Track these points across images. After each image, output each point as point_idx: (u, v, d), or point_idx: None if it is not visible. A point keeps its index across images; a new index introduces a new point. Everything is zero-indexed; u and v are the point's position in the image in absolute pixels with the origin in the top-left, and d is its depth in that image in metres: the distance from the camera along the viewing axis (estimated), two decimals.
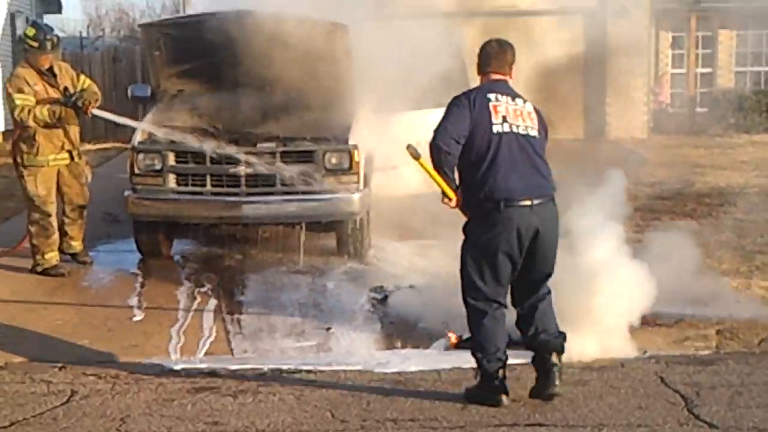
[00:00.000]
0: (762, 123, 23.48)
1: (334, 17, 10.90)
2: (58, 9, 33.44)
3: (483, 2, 22.43)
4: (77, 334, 8.50)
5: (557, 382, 6.17)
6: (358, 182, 10.44)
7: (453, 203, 6.42)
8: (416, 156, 6.51)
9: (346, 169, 10.38)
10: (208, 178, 10.46)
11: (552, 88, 21.19)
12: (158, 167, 10.53)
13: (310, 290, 9.65)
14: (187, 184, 10.53)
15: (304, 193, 10.34)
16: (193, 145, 10.43)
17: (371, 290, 9.44)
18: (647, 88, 24.32)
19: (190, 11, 36.69)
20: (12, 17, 27.08)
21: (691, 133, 23.67)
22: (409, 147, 6.58)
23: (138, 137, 10.75)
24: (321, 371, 7.39)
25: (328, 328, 8.54)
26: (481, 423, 6.08)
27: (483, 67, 6.52)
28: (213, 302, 9.42)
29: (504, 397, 6.17)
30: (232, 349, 8.21)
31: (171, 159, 10.49)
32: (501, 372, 6.19)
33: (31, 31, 10.42)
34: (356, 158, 10.41)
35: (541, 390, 6.23)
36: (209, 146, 10.41)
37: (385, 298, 9.18)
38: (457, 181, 6.36)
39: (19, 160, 10.21)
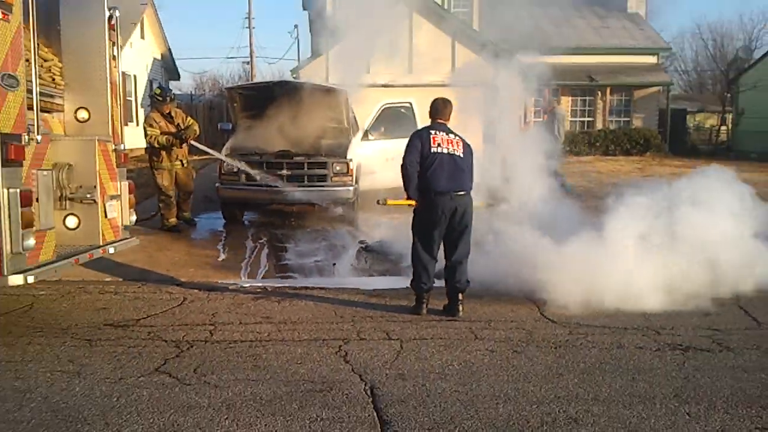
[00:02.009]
0: (585, 150, 23.61)
1: (338, 85, 10.95)
2: (177, 77, 33.07)
3: (426, 78, 22.57)
4: (187, 265, 8.42)
5: (460, 309, 6.17)
6: (352, 181, 10.44)
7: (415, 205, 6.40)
8: (384, 203, 6.87)
9: (344, 173, 10.40)
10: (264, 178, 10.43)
11: (467, 129, 21.38)
12: (235, 170, 10.47)
13: (323, 242, 9.61)
14: (251, 180, 10.46)
15: (319, 186, 10.35)
16: (255, 158, 10.44)
17: (359, 242, 9.39)
18: (520, 129, 24.32)
19: (256, 79, 36.63)
20: (150, 82, 26.82)
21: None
22: (378, 201, 6.98)
23: (224, 152, 10.72)
24: (329, 288, 7.34)
25: (334, 263, 8.50)
26: (421, 318, 6.12)
27: (432, 115, 6.45)
28: (266, 248, 9.37)
29: (424, 310, 6.24)
30: (276, 275, 8.17)
31: (242, 165, 10.42)
32: (425, 295, 6.28)
33: (158, 90, 10.38)
34: (351, 166, 10.45)
35: (450, 311, 6.21)
36: (265, 158, 10.42)
37: (367, 246, 9.14)
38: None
39: (151, 164, 10.17)
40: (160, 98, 10.11)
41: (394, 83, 21.45)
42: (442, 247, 6.33)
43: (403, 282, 7.28)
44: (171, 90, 10.84)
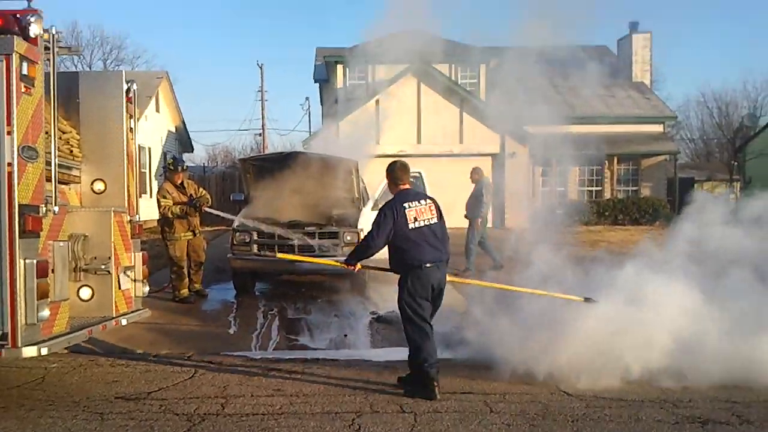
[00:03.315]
0: (593, 219, 23.66)
1: (349, 156, 11.10)
2: (191, 149, 33.70)
3: (435, 148, 22.93)
4: (198, 337, 8.42)
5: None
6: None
7: (351, 268, 6.36)
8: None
9: (355, 243, 10.35)
10: (276, 246, 10.46)
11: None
12: (247, 240, 10.54)
13: (334, 313, 9.57)
14: (264, 250, 10.51)
15: (331, 255, 10.34)
16: (265, 229, 10.52)
17: (370, 313, 9.37)
18: (528, 198, 24.52)
19: (268, 148, 37.18)
20: (165, 154, 27.29)
21: (553, 224, 23.82)
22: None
23: (235, 223, 10.80)
24: (341, 360, 7.28)
25: (345, 335, 8.44)
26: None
27: (395, 181, 6.24)
28: (277, 320, 9.34)
29: (437, 392, 5.73)
30: (288, 346, 8.11)
31: (255, 236, 10.50)
32: (436, 380, 5.79)
33: (170, 161, 10.64)
34: (361, 236, 10.41)
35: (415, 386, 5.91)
36: (276, 229, 10.49)
37: (379, 317, 9.11)
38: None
39: (164, 235, 10.25)
40: (173, 168, 10.31)
41: (404, 153, 21.81)
42: None
43: None
44: (183, 161, 11.05)
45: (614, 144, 25.37)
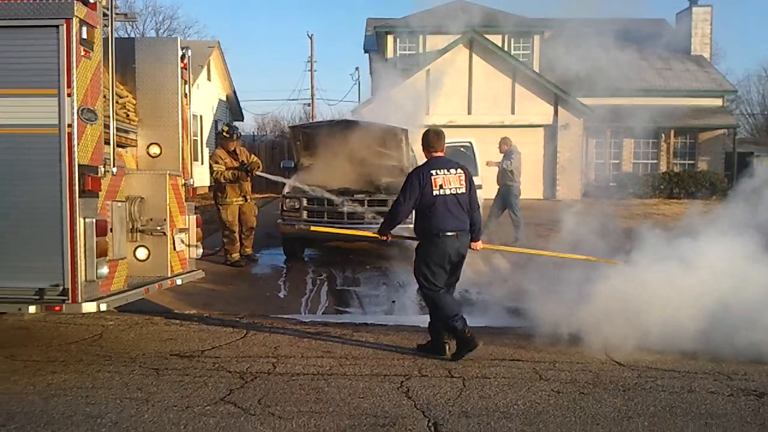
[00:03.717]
0: (648, 192, 23.17)
1: (399, 123, 11.04)
2: (242, 118, 34.01)
3: (485, 118, 22.71)
4: (249, 300, 8.58)
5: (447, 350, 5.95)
6: (411, 219, 10.39)
7: (383, 238, 6.43)
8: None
9: None
10: (325, 213, 10.53)
11: (526, 170, 21.36)
12: (296, 206, 10.62)
13: (383, 279, 9.63)
14: (313, 217, 10.59)
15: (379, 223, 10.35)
16: (315, 194, 10.59)
17: None
18: (580, 170, 24.16)
19: (317, 118, 37.35)
20: (216, 122, 27.66)
21: (605, 197, 23.53)
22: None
23: (285, 189, 10.89)
24: (389, 325, 7.34)
25: (393, 301, 8.50)
26: (482, 357, 6.00)
27: (427, 148, 6.21)
28: (326, 285, 9.44)
29: (475, 340, 5.83)
30: (336, 311, 8.21)
31: (304, 202, 10.58)
32: (466, 328, 5.85)
33: (225, 128, 10.70)
34: None
35: (462, 349, 5.89)
36: (325, 195, 10.54)
37: None
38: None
39: (216, 200, 10.43)
40: (227, 135, 10.42)
41: (454, 123, 21.63)
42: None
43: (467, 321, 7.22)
44: (237, 128, 11.17)
45: (671, 117, 24.69)
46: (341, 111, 47.60)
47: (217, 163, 10.23)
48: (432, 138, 6.21)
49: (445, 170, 6.04)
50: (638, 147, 25.90)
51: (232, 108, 31.81)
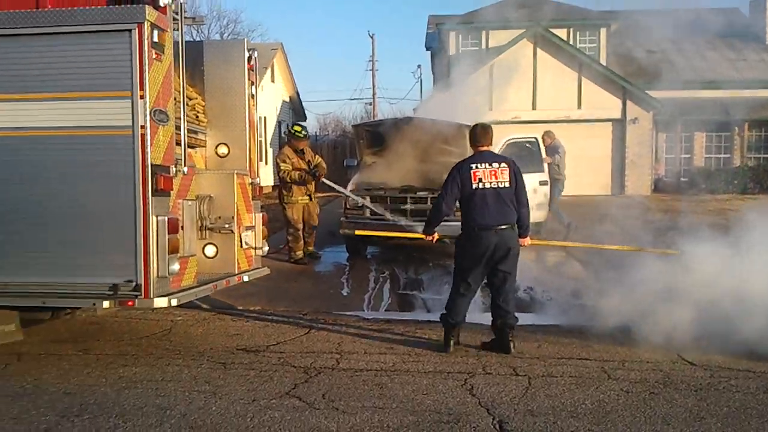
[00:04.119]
0: (722, 188, 22.40)
1: (462, 120, 10.98)
2: (304, 118, 34.47)
3: (551, 113, 22.38)
4: (313, 297, 8.68)
5: (512, 346, 5.94)
6: None
7: (429, 238, 6.47)
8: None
9: None
10: (389, 211, 10.57)
11: (593, 165, 21.07)
12: (359, 205, 10.71)
13: (445, 277, 9.56)
14: (375, 215, 10.65)
15: (444, 220, 10.28)
16: (380, 192, 10.64)
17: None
18: (650, 164, 23.55)
19: (378, 117, 37.47)
20: (279, 123, 28.12)
21: (677, 192, 22.94)
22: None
23: (350, 187, 10.97)
24: None
25: None
26: (549, 356, 5.94)
27: (473, 142, 6.19)
28: (388, 282, 9.48)
29: (451, 347, 6.04)
30: (399, 308, 8.23)
31: (367, 200, 10.65)
32: (453, 330, 6.09)
33: (298, 128, 10.85)
34: None
35: (502, 348, 5.96)
36: (389, 193, 10.58)
37: None
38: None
39: (281, 199, 10.59)
40: (301, 135, 10.59)
41: (518, 119, 21.39)
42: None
43: (531, 319, 7.17)
44: (307, 128, 11.33)
45: (745, 109, 23.82)
46: (403, 109, 47.61)
47: (284, 162, 10.39)
48: (478, 132, 6.20)
49: (487, 164, 5.99)
50: (710, 141, 25.08)
51: (295, 109, 32.26)
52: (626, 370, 5.47)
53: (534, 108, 23.51)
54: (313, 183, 10.65)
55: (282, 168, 10.36)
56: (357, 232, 8.86)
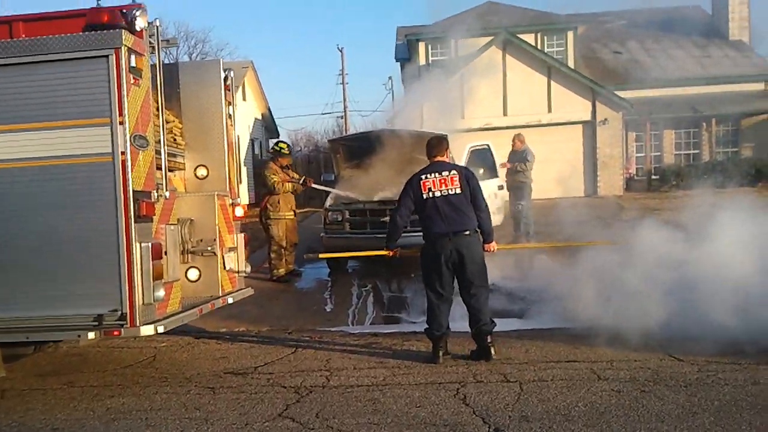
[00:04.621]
0: (692, 183, 22.72)
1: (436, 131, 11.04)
2: (277, 135, 34.35)
3: (522, 119, 22.55)
4: (297, 314, 8.67)
5: (492, 352, 5.98)
6: None
7: (390, 254, 6.63)
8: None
9: None
10: (368, 224, 10.57)
11: (567, 167, 21.22)
12: (339, 219, 10.70)
13: (421, 289, 9.53)
14: (356, 228, 10.65)
15: (407, 232, 10.30)
16: (359, 206, 10.64)
17: None
18: (621, 165, 23.83)
19: (351, 130, 37.44)
20: (252, 141, 28.03)
21: (648, 190, 23.25)
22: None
23: (328, 202, 10.97)
24: None
25: None
26: (538, 360, 5.97)
27: (428, 154, 6.34)
28: (372, 296, 9.47)
29: (440, 358, 6.06)
30: (384, 321, 8.26)
31: (347, 214, 10.65)
32: (440, 342, 6.11)
33: (283, 145, 10.94)
34: None
35: (482, 356, 6.02)
36: (368, 206, 10.58)
37: None
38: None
39: (265, 216, 10.52)
40: (286, 152, 10.70)
41: (490, 126, 21.53)
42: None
43: (516, 324, 7.21)
44: (291, 146, 11.35)
45: (711, 105, 24.24)
46: (375, 122, 47.64)
47: (275, 174, 10.40)
48: (430, 144, 6.38)
49: (437, 173, 6.10)
50: (679, 138, 25.47)
51: (267, 126, 32.17)
52: (615, 369, 5.52)
53: (505, 114, 23.68)
54: (293, 201, 10.64)
55: (274, 180, 10.35)
56: (321, 256, 8.89)
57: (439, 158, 6.30)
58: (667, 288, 6.54)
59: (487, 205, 6.19)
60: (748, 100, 24.63)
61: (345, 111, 42.91)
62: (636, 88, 24.41)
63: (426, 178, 6.12)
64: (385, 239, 6.58)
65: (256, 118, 30.10)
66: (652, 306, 6.39)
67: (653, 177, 24.44)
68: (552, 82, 23.86)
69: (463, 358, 6.14)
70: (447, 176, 6.08)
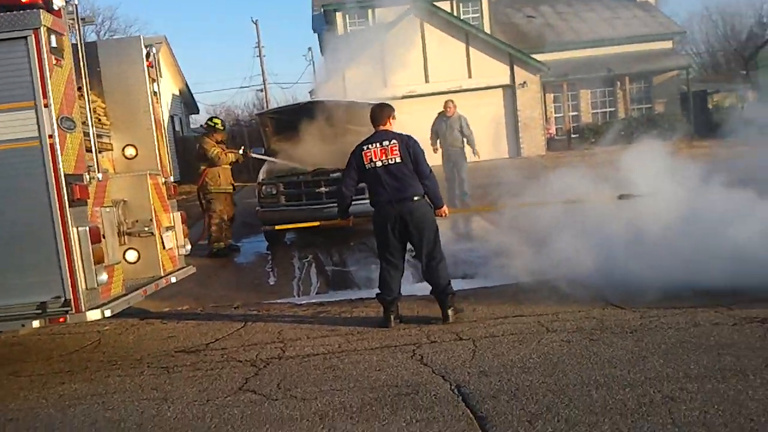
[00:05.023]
0: (610, 140, 23.52)
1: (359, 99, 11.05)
2: (197, 111, 33.60)
3: (443, 85, 22.73)
4: (240, 289, 8.57)
5: (449, 315, 6.05)
6: None
7: (344, 222, 6.72)
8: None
9: None
10: (303, 195, 10.49)
11: (491, 130, 21.56)
12: (274, 192, 10.57)
13: (367, 254, 9.65)
14: (291, 200, 10.55)
15: (359, 199, 10.27)
16: (293, 178, 10.53)
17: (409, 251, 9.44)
18: (542, 126, 24.40)
19: (271, 103, 36.83)
20: (171, 117, 27.22)
21: (569, 149, 23.89)
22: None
23: (261, 176, 10.82)
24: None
25: None
26: (486, 317, 6.10)
27: (373, 122, 6.31)
28: (314, 266, 9.44)
29: (392, 322, 6.10)
30: (329, 290, 8.23)
31: (281, 187, 10.52)
32: (391, 307, 6.14)
33: (217, 120, 10.78)
34: None
35: (443, 317, 6.11)
36: (302, 178, 10.49)
37: (414, 254, 9.16)
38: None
39: (207, 188, 10.32)
40: (221, 128, 10.59)
41: (414, 93, 21.62)
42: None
43: (462, 284, 7.31)
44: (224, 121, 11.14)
45: (624, 64, 25.05)
46: (296, 94, 47.06)
47: (213, 146, 10.22)
48: (373, 112, 6.33)
49: (378, 143, 6.11)
50: (595, 97, 26.27)
51: (186, 102, 31.35)
52: (561, 321, 5.69)
53: (427, 81, 23.83)
54: (230, 176, 10.50)
55: (216, 151, 10.17)
56: (277, 228, 8.76)
57: (381, 127, 6.25)
58: (600, 241, 6.78)
59: (431, 171, 6.17)
60: (657, 59, 25.58)
61: (264, 84, 42.18)
62: (552, 51, 24.94)
63: (367, 148, 6.11)
64: (337, 210, 6.56)
65: (173, 95, 29.26)
66: (589, 259, 6.62)
67: (573, 136, 25.17)
68: (470, 48, 24.14)
69: (415, 321, 6.19)
70: (387, 146, 6.07)
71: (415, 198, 6.06)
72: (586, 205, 7.14)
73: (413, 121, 12.93)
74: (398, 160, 6.03)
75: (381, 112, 6.31)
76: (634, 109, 25.98)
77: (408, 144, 6.12)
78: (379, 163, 6.04)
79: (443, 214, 6.36)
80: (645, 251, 6.37)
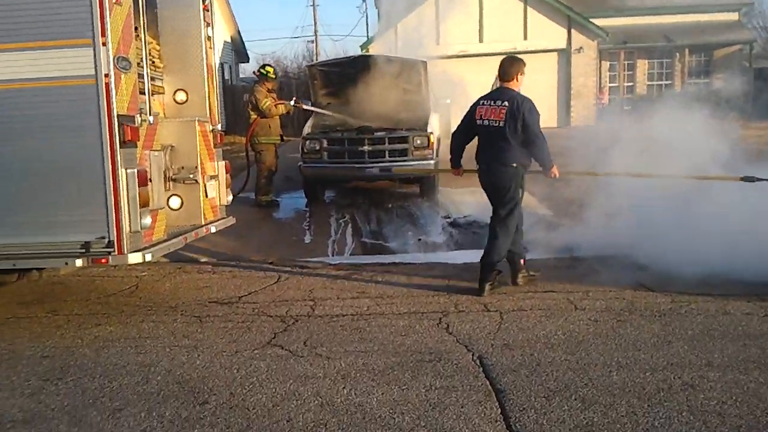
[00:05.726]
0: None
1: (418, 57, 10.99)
2: (247, 59, 33.67)
3: (498, 45, 22.38)
4: (276, 244, 8.73)
5: (485, 288, 6.02)
6: (432, 154, 10.39)
7: (455, 173, 6.58)
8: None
9: (425, 146, 10.30)
10: (346, 153, 10.55)
11: (540, 96, 21.21)
12: (317, 148, 10.62)
13: (406, 218, 9.72)
14: (333, 158, 10.63)
15: (401, 160, 10.35)
16: (336, 135, 10.60)
17: (442, 217, 9.50)
18: (594, 95, 23.94)
19: (321, 55, 36.68)
20: (222, 65, 27.38)
21: (620, 121, 23.37)
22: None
23: (306, 131, 10.88)
24: (419, 263, 7.46)
25: (419, 239, 8.59)
26: (516, 290, 6.16)
27: (500, 77, 6.13)
28: (350, 226, 9.54)
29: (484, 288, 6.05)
30: (364, 252, 8.34)
31: (325, 143, 10.59)
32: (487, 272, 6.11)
33: (270, 69, 10.73)
34: (431, 140, 10.35)
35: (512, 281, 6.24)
36: (346, 135, 10.55)
37: (453, 221, 9.25)
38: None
39: (257, 139, 10.42)
40: (273, 76, 10.58)
41: (466, 53, 21.34)
42: None
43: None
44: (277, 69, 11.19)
45: (685, 34, 24.27)
46: (347, 47, 46.72)
47: (266, 97, 10.28)
48: (502, 66, 6.12)
49: (492, 101, 6.04)
50: (652, 68, 25.56)
51: (237, 49, 31.43)
52: (591, 299, 5.72)
53: (481, 41, 23.48)
54: (279, 128, 10.63)
55: (266, 103, 10.22)
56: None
57: (506, 84, 6.07)
58: (643, 220, 6.74)
59: (537, 136, 5.90)
60: (721, 31, 24.70)
61: (315, 35, 42.15)
62: (610, 16, 24.29)
63: (482, 105, 6.08)
64: (454, 159, 6.50)
65: (225, 41, 29.36)
66: (625, 238, 6.60)
67: (625, 108, 24.64)
68: (528, 8, 23.62)
69: (445, 288, 6.29)
70: (498, 107, 5.95)
71: (503, 164, 5.97)
72: (703, 184, 6.67)
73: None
74: (502, 124, 5.91)
75: (510, 67, 6.06)
76: (691, 83, 25.24)
77: (518, 108, 5.86)
78: (486, 122, 6.00)
79: (553, 176, 6.18)
80: (687, 237, 6.25)
